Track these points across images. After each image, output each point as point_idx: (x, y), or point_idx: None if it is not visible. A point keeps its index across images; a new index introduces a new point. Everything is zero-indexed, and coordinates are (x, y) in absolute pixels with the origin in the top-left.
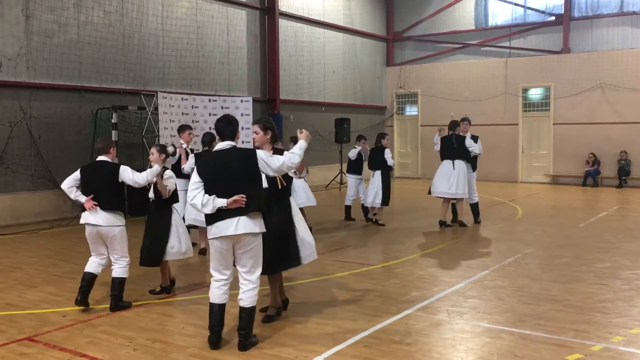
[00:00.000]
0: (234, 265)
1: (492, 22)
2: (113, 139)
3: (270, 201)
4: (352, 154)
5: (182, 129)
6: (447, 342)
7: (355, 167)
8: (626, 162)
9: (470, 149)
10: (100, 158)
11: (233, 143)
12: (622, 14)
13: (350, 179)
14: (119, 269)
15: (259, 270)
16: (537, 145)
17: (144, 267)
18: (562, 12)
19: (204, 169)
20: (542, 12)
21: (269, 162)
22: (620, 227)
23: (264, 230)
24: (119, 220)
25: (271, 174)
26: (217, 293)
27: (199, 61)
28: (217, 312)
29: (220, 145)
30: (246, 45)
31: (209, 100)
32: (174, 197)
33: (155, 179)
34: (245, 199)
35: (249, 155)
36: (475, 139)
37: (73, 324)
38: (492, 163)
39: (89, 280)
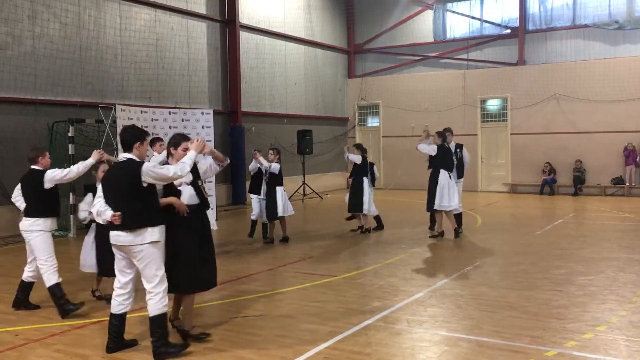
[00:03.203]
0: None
1: (450, 34)
2: (70, 152)
3: (192, 215)
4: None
5: (154, 141)
6: (406, 351)
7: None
8: (581, 171)
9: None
10: (32, 167)
11: (129, 155)
12: (575, 27)
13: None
14: (43, 276)
15: (157, 280)
16: (495, 155)
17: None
18: (517, 25)
19: (102, 180)
20: (498, 25)
21: (158, 172)
22: (576, 234)
23: (152, 239)
24: (38, 226)
25: (158, 182)
26: (113, 304)
27: (159, 73)
28: (112, 321)
29: (119, 157)
30: (207, 58)
31: (169, 113)
32: None
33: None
34: (120, 218)
35: (134, 170)
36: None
37: (26, 343)
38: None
39: (21, 286)
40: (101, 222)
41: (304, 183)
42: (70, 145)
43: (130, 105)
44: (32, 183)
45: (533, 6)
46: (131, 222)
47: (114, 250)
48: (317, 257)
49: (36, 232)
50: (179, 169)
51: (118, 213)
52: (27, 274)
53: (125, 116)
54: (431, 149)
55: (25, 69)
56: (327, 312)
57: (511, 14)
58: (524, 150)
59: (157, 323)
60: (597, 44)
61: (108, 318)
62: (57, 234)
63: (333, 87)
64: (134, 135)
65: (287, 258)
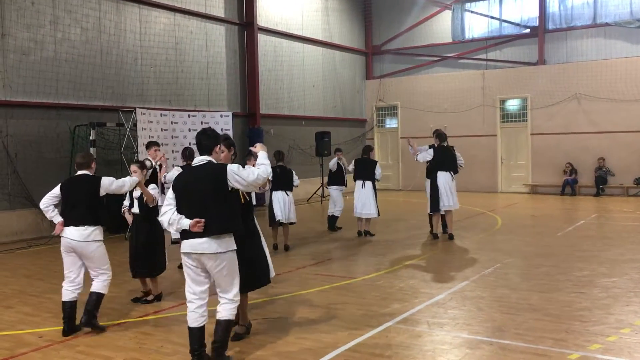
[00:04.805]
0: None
1: (468, 35)
2: None
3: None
4: (332, 164)
5: (149, 145)
6: (427, 354)
7: (336, 178)
8: (604, 171)
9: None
10: (81, 172)
11: (209, 158)
12: (595, 25)
13: (332, 190)
14: (99, 284)
15: (236, 289)
16: (515, 155)
17: (139, 278)
18: (537, 24)
19: (177, 184)
20: (517, 24)
21: (243, 175)
22: (598, 235)
23: (233, 248)
24: (96, 236)
25: (244, 188)
26: (192, 316)
27: (178, 77)
28: (194, 335)
29: (196, 160)
30: (225, 61)
31: (189, 116)
32: (157, 209)
33: (139, 191)
34: (204, 224)
35: (219, 172)
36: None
37: (50, 345)
38: (472, 174)
39: (70, 308)
40: (173, 231)
41: (322, 185)
42: (91, 149)
43: (150, 108)
44: (89, 188)
45: (553, 5)
46: (217, 228)
47: (188, 259)
48: (336, 258)
49: (98, 241)
50: (263, 171)
51: (202, 220)
52: (73, 294)
53: (146, 119)
54: (428, 154)
55: (48, 73)
56: (347, 314)
57: (530, 14)
58: (545, 150)
59: (225, 327)
60: (619, 42)
61: (129, 320)
62: None
63: (351, 88)
64: (214, 138)
65: (306, 260)
